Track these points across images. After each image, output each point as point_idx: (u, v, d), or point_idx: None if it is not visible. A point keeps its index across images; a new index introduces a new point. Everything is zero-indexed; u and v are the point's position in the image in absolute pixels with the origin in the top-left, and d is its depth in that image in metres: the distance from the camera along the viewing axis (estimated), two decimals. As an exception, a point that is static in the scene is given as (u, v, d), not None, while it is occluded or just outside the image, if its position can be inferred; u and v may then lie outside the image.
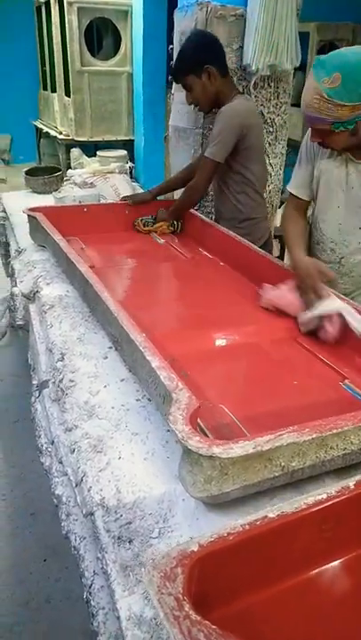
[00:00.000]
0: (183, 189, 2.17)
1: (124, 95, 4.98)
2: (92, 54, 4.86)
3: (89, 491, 0.85)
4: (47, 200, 2.53)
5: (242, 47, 2.38)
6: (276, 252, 3.11)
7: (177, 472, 0.85)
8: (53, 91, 5.50)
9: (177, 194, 2.36)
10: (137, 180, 4.07)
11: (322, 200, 1.59)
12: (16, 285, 1.70)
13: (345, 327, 1.28)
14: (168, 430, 0.96)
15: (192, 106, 2.08)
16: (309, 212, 1.72)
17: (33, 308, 1.57)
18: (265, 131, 2.48)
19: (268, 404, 1.10)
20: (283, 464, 0.80)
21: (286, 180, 1.98)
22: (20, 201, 2.52)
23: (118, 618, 0.68)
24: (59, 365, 1.19)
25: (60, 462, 1.01)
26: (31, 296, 1.61)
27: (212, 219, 2.25)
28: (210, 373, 1.21)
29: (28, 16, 5.96)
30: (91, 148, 4.58)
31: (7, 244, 2.36)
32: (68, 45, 4.69)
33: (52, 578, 1.68)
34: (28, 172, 2.88)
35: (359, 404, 1.11)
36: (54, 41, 5.02)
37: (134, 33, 4.73)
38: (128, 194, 2.49)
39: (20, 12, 6.09)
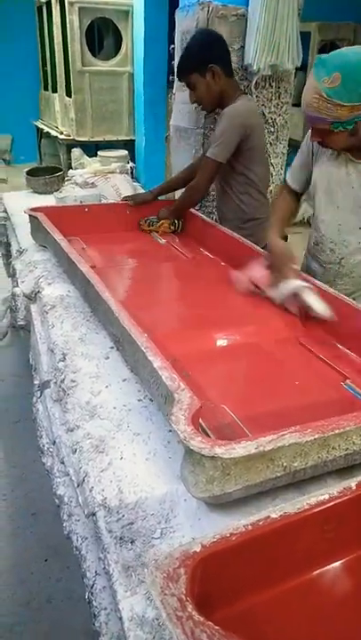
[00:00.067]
0: (184, 189, 2.17)
1: (125, 95, 4.98)
2: (93, 54, 4.86)
3: (91, 491, 0.85)
4: (48, 200, 2.53)
5: (243, 47, 2.38)
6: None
7: (179, 472, 0.85)
8: (54, 91, 5.51)
9: (178, 194, 2.36)
10: (138, 180, 4.07)
11: (321, 200, 1.59)
12: (17, 285, 1.70)
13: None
14: (170, 430, 0.96)
15: (193, 106, 2.07)
16: (309, 213, 1.73)
17: (34, 308, 1.57)
18: (266, 131, 2.49)
19: (270, 404, 1.10)
20: (285, 464, 0.80)
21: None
22: (21, 201, 2.52)
23: (120, 618, 0.68)
24: (60, 366, 1.19)
25: (62, 462, 1.01)
26: (32, 296, 1.61)
27: (213, 219, 2.25)
28: (211, 373, 1.21)
29: (29, 16, 5.97)
30: (92, 148, 4.58)
31: (8, 245, 2.36)
32: (69, 45, 4.69)
33: (54, 578, 1.68)
34: (29, 173, 2.88)
35: (360, 404, 1.11)
36: (55, 41, 5.02)
37: (135, 33, 4.73)
38: (129, 194, 2.49)
39: (21, 11, 6.10)
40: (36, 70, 6.29)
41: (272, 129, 2.61)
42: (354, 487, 0.74)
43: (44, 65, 5.93)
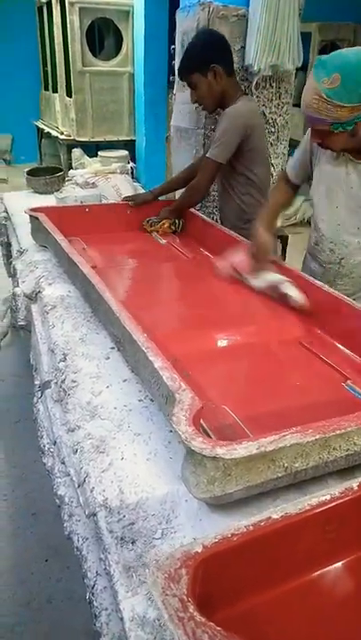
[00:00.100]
0: (184, 189, 2.17)
1: (126, 95, 4.98)
2: (94, 54, 4.87)
3: (92, 491, 0.85)
4: (49, 200, 2.53)
5: (244, 47, 2.38)
6: (277, 252, 3.10)
7: (180, 473, 0.85)
8: (55, 91, 5.51)
9: (178, 194, 2.36)
10: (138, 181, 4.07)
11: (321, 200, 1.59)
12: (18, 286, 1.70)
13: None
14: (171, 431, 0.96)
15: (194, 106, 2.07)
16: (309, 213, 1.73)
17: (35, 308, 1.57)
18: (266, 131, 2.48)
19: (271, 404, 1.10)
20: (286, 465, 0.80)
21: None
22: (22, 201, 2.52)
23: (121, 619, 0.68)
24: (61, 366, 1.19)
25: (63, 463, 1.01)
26: (33, 296, 1.61)
27: (213, 219, 2.25)
28: (212, 374, 1.21)
29: (30, 16, 5.98)
30: (92, 149, 4.58)
31: (9, 245, 2.36)
32: (69, 45, 4.69)
33: (54, 578, 1.68)
34: (30, 173, 2.88)
35: (362, 404, 1.10)
36: (56, 41, 5.03)
37: (136, 33, 4.73)
38: (129, 194, 2.49)
39: (22, 12, 6.11)
40: (36, 70, 6.29)
41: (273, 129, 2.61)
42: (355, 488, 0.74)
43: (45, 65, 5.94)
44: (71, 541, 0.90)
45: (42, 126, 6.02)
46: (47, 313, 1.43)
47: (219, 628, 0.52)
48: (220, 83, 1.92)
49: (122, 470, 0.88)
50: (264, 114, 2.52)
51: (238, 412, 1.03)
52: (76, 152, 3.77)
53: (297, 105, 2.44)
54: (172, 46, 2.71)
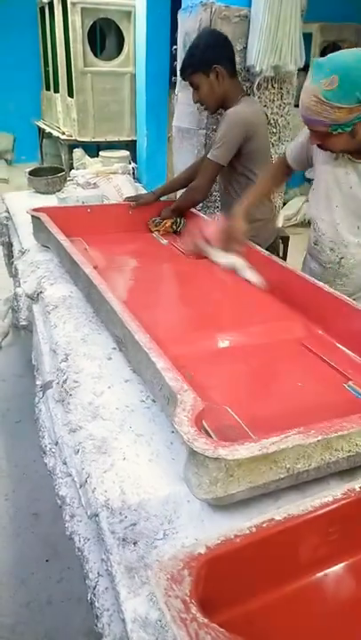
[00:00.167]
0: (185, 189, 2.17)
1: (127, 96, 4.98)
2: (95, 55, 4.87)
3: (93, 492, 0.85)
4: (50, 200, 2.53)
5: (246, 48, 2.38)
6: (279, 252, 3.10)
7: (182, 473, 0.85)
8: (56, 91, 5.51)
9: (180, 194, 2.36)
10: (140, 181, 4.07)
11: (320, 199, 1.59)
12: (20, 286, 1.70)
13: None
14: (173, 431, 0.96)
15: (196, 106, 2.07)
16: (309, 213, 1.74)
17: (37, 308, 1.57)
18: (268, 132, 2.48)
19: (272, 405, 1.10)
20: (288, 466, 0.80)
21: (288, 180, 2.00)
22: (23, 201, 2.52)
23: (123, 620, 0.68)
24: (62, 366, 1.19)
25: (64, 463, 1.01)
26: (35, 296, 1.61)
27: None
28: (214, 375, 1.21)
29: (32, 16, 5.98)
30: (93, 149, 4.58)
31: (10, 245, 2.36)
32: (71, 46, 4.69)
33: (54, 578, 1.68)
34: (31, 173, 2.88)
35: (363, 405, 1.10)
36: (57, 41, 5.03)
37: (137, 33, 4.73)
38: (131, 194, 2.49)
39: (24, 12, 6.10)
40: (37, 70, 6.29)
41: (274, 130, 2.61)
42: (358, 489, 0.74)
43: (46, 65, 5.93)
44: (72, 542, 0.90)
45: (43, 126, 6.02)
46: (49, 313, 1.43)
47: (222, 630, 0.52)
48: (222, 83, 1.92)
49: (124, 471, 0.88)
50: (266, 114, 2.52)
51: (240, 412, 1.03)
52: (78, 152, 3.78)
53: (298, 106, 2.45)
54: (174, 47, 2.71)
